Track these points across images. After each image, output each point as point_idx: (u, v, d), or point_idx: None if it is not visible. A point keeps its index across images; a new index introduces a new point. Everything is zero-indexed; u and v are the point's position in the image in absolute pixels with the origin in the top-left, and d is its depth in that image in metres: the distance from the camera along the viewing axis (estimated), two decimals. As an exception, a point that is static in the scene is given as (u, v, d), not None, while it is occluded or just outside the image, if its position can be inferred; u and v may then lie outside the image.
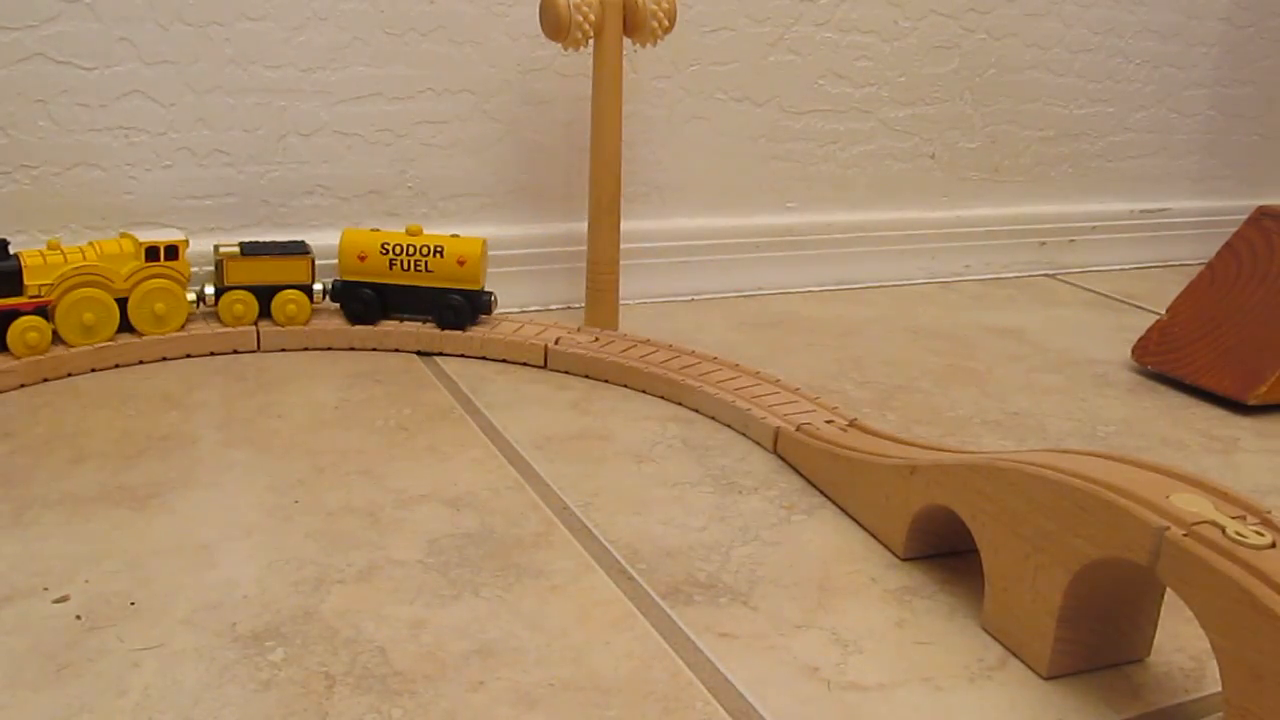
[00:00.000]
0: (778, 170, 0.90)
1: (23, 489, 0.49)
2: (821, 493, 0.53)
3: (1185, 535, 0.33)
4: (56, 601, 0.41)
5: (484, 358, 0.69)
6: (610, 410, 0.63)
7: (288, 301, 0.68)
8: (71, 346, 0.63)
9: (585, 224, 0.74)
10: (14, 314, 0.61)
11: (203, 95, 0.71)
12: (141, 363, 0.65)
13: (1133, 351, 0.76)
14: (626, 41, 0.71)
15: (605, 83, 0.71)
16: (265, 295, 0.68)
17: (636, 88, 0.82)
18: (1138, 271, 1.08)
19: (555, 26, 0.68)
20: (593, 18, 0.68)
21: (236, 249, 0.68)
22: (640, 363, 0.66)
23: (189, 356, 0.67)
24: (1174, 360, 0.73)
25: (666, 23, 0.70)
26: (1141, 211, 1.10)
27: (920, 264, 0.98)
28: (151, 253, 0.65)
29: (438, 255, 0.68)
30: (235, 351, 0.68)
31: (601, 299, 0.75)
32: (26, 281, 0.61)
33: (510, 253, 0.81)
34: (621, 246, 0.75)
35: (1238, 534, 0.33)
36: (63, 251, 0.63)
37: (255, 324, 0.68)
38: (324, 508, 0.49)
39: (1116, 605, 0.40)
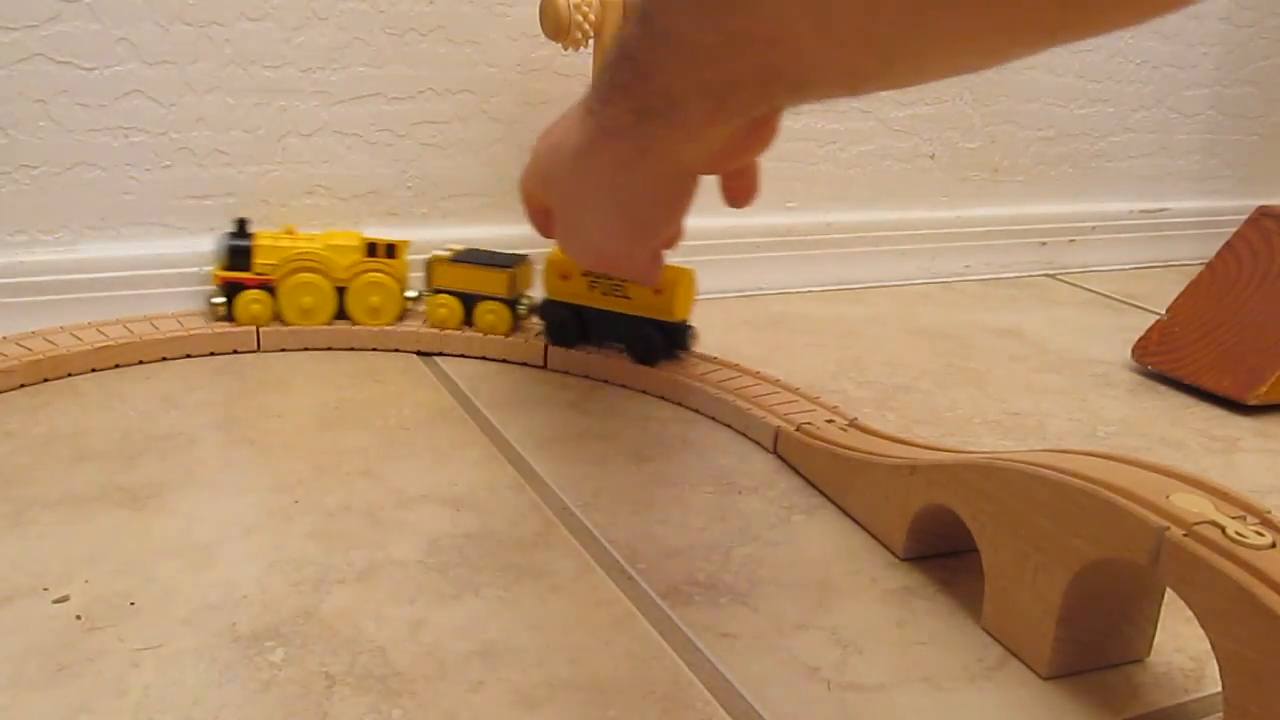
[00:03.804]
0: (778, 170, 0.90)
1: (23, 489, 0.49)
2: (821, 493, 0.53)
3: (1185, 535, 0.33)
4: (56, 601, 0.41)
5: (484, 358, 0.69)
6: (610, 410, 0.63)
7: (487, 311, 0.68)
8: (289, 324, 0.68)
9: (585, 224, 0.74)
10: (242, 286, 0.68)
11: (203, 95, 0.71)
12: (141, 363, 0.65)
13: (1133, 351, 0.76)
14: (626, 41, 0.71)
15: (605, 83, 0.71)
16: (470, 302, 0.69)
17: (636, 88, 0.82)
18: (1138, 271, 1.08)
19: (555, 26, 0.68)
20: (593, 18, 0.68)
21: (448, 254, 0.69)
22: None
23: (189, 356, 0.67)
24: (1174, 360, 0.73)
25: (666, 23, 0.70)
26: (1141, 211, 1.10)
27: (920, 264, 0.98)
28: (371, 249, 0.68)
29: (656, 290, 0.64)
30: (235, 351, 0.68)
31: (601, 299, 0.75)
32: (256, 260, 0.68)
33: (511, 253, 0.81)
34: (621, 246, 0.75)
35: (1238, 534, 0.33)
36: (294, 237, 0.69)
37: (457, 326, 0.70)
38: (324, 508, 0.49)
39: (1116, 605, 0.40)
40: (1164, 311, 0.76)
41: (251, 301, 0.68)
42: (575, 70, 0.79)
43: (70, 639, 0.38)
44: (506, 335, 0.68)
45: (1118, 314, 0.91)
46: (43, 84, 0.67)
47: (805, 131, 0.90)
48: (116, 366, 0.64)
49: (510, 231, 0.81)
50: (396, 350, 0.70)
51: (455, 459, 0.55)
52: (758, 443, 0.59)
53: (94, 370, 0.64)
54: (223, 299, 0.68)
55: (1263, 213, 0.75)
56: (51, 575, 0.42)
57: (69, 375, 0.63)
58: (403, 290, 0.69)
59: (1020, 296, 0.95)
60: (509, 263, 0.68)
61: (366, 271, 0.68)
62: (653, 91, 0.38)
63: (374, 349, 0.70)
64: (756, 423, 0.59)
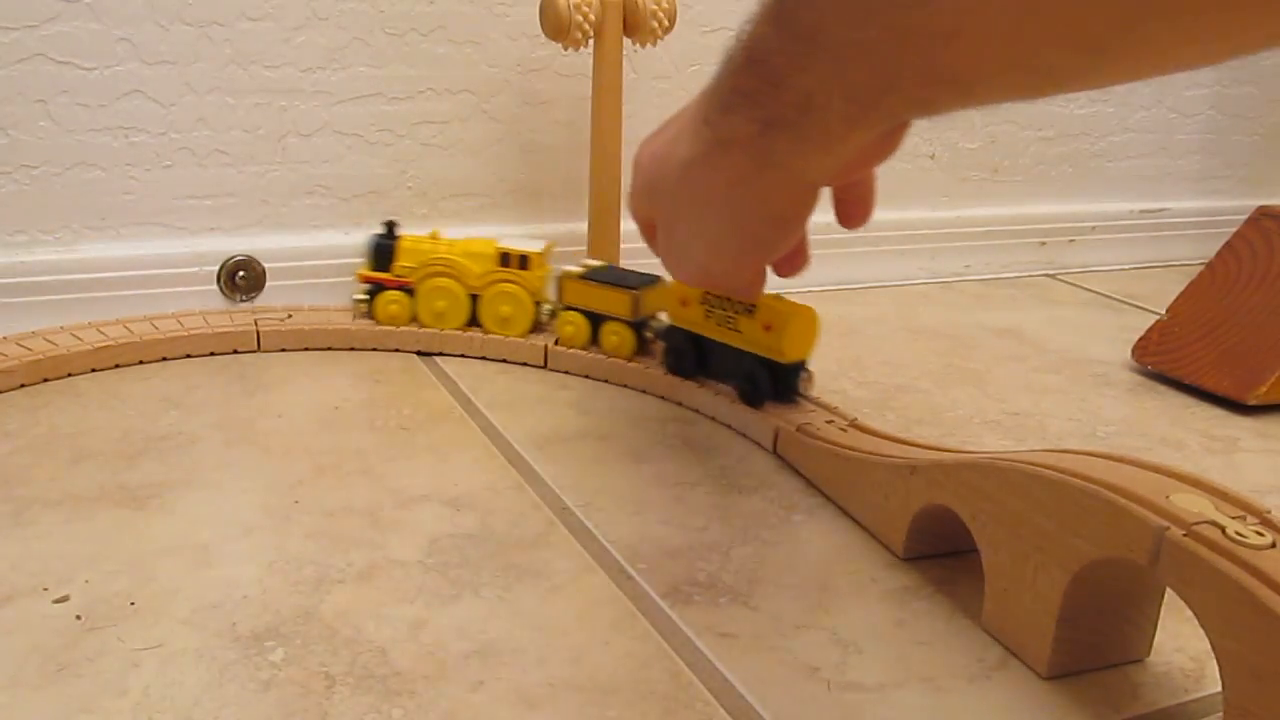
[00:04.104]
0: (778, 170, 0.90)
1: (23, 489, 0.49)
2: (821, 493, 0.53)
3: (1185, 535, 0.33)
4: (56, 601, 0.41)
5: (484, 358, 0.69)
6: (610, 410, 0.63)
7: (611, 333, 0.66)
8: (425, 327, 0.69)
9: (585, 224, 0.74)
10: (384, 287, 0.69)
11: (203, 95, 0.71)
12: (141, 363, 0.65)
13: (1133, 351, 0.76)
14: (626, 41, 0.71)
15: (605, 83, 0.71)
16: (597, 322, 0.66)
17: (636, 88, 0.82)
18: (1138, 271, 1.08)
19: (555, 26, 0.68)
20: (593, 18, 0.68)
21: (579, 270, 0.67)
22: (640, 362, 0.66)
23: (189, 356, 0.67)
24: (1174, 360, 0.73)
25: (666, 23, 0.70)
26: (1141, 211, 1.10)
27: (920, 264, 0.98)
28: (504, 258, 0.67)
29: (748, 313, 0.58)
30: (235, 351, 0.68)
31: (601, 299, 0.75)
32: (398, 262, 0.68)
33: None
34: (622, 246, 0.75)
35: (1238, 534, 0.33)
36: (435, 241, 0.69)
37: (584, 345, 0.67)
38: (324, 508, 0.49)
39: (1116, 605, 0.40)
40: (1164, 311, 0.76)
41: (390, 302, 0.69)
42: (575, 70, 0.79)
43: (70, 639, 0.38)
44: (628, 359, 0.66)
45: (1118, 314, 0.91)
46: (43, 84, 0.67)
47: (805, 131, 0.90)
48: (116, 366, 0.64)
49: (511, 231, 0.81)
50: (396, 350, 0.70)
51: (455, 459, 0.55)
52: (758, 443, 0.59)
53: (94, 370, 0.64)
54: (365, 297, 0.69)
55: (1263, 213, 0.75)
56: (51, 575, 0.42)
57: (69, 375, 0.63)
58: (535, 302, 0.68)
59: (1020, 296, 0.95)
60: (636, 283, 0.65)
61: (499, 281, 0.67)
62: (785, 99, 0.34)
63: (374, 349, 0.70)
64: (756, 423, 0.59)
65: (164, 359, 0.66)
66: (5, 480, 0.50)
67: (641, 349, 0.66)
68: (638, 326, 0.65)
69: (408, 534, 0.47)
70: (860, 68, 0.32)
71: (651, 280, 0.65)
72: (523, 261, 0.67)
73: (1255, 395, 0.67)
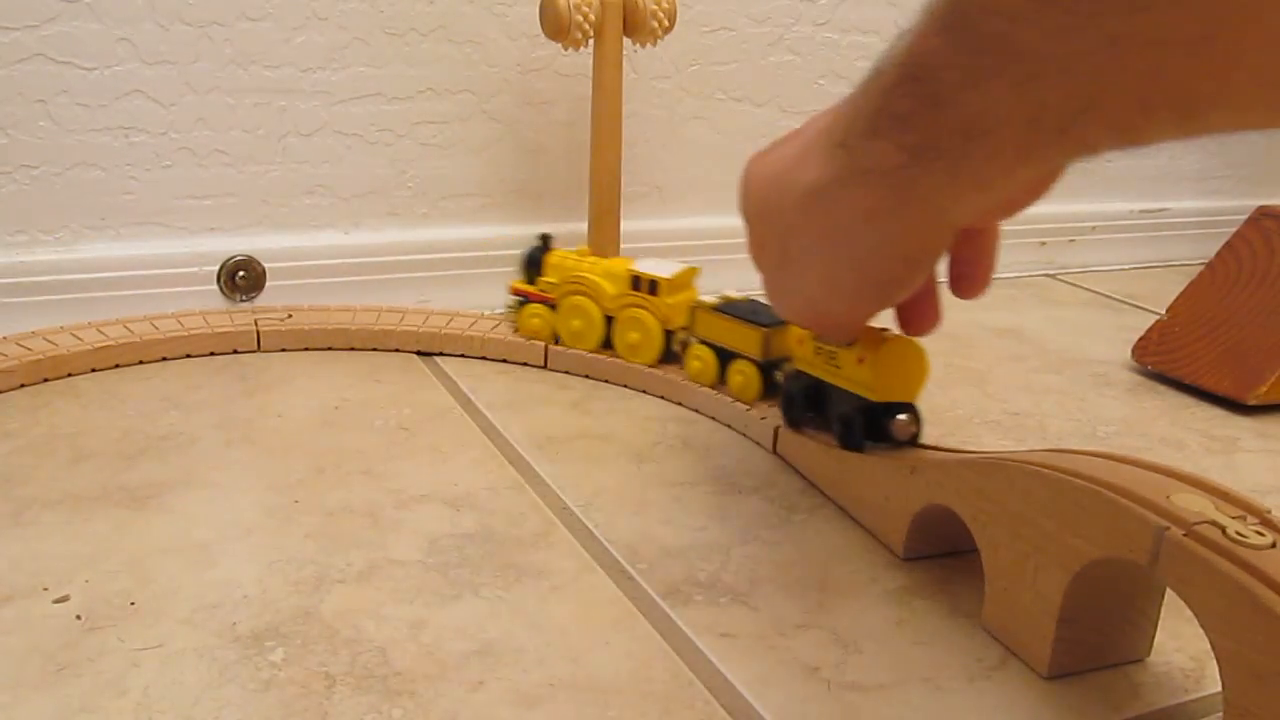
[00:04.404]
0: (778, 170, 0.90)
1: (23, 489, 0.49)
2: (821, 493, 0.53)
3: (1185, 535, 0.33)
4: (56, 601, 0.41)
5: (484, 358, 0.69)
6: (610, 410, 0.63)
7: (736, 372, 0.60)
8: (562, 346, 0.68)
9: (585, 224, 0.74)
10: (530, 299, 0.68)
11: (203, 95, 0.71)
12: (141, 363, 0.65)
13: (1133, 351, 0.76)
14: (626, 41, 0.71)
15: (605, 83, 0.71)
16: (726, 359, 0.60)
17: (636, 88, 0.82)
18: (1138, 271, 1.08)
19: (555, 26, 0.68)
20: (593, 18, 0.68)
21: (715, 301, 0.61)
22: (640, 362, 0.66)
23: (189, 356, 0.67)
24: (1174, 360, 0.73)
25: (666, 23, 0.70)
26: (1141, 211, 1.10)
27: (920, 264, 0.98)
28: (635, 282, 0.64)
29: (849, 346, 0.50)
30: (235, 351, 0.68)
31: (601, 299, 0.75)
32: (544, 276, 0.68)
33: (510, 253, 0.81)
34: (621, 246, 0.75)
35: (1238, 534, 0.33)
36: (580, 258, 0.68)
37: (712, 384, 0.62)
38: (324, 508, 0.49)
39: (1117, 605, 0.40)
40: (1164, 311, 0.76)
41: (532, 316, 0.68)
42: (575, 70, 0.79)
43: (70, 639, 0.38)
44: (750, 404, 0.59)
45: (1118, 314, 0.91)
46: (43, 84, 0.67)
47: (805, 131, 0.90)
48: (116, 366, 0.64)
49: (511, 231, 0.81)
50: (396, 350, 0.70)
51: (455, 459, 0.55)
52: (758, 443, 0.59)
53: (94, 370, 0.64)
54: (514, 308, 0.69)
55: (1263, 213, 0.75)
56: (51, 575, 0.42)
57: (69, 375, 0.63)
58: (665, 330, 0.64)
59: (1020, 296, 0.95)
60: (770, 320, 0.57)
61: (630, 305, 0.65)
62: (948, 123, 0.30)
63: (374, 349, 0.70)
64: (756, 423, 0.59)
65: (164, 359, 0.66)
66: (5, 480, 0.50)
67: (770, 393, 0.59)
68: (766, 368, 0.58)
69: (408, 534, 0.47)
70: (1056, 85, 0.27)
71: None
72: (652, 287, 0.63)
73: (1255, 395, 0.67)
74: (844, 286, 0.39)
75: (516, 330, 0.69)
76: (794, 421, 0.55)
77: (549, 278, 0.67)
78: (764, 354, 0.58)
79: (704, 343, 0.61)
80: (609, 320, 0.66)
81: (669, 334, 0.64)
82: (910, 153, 0.32)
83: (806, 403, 0.53)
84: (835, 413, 0.51)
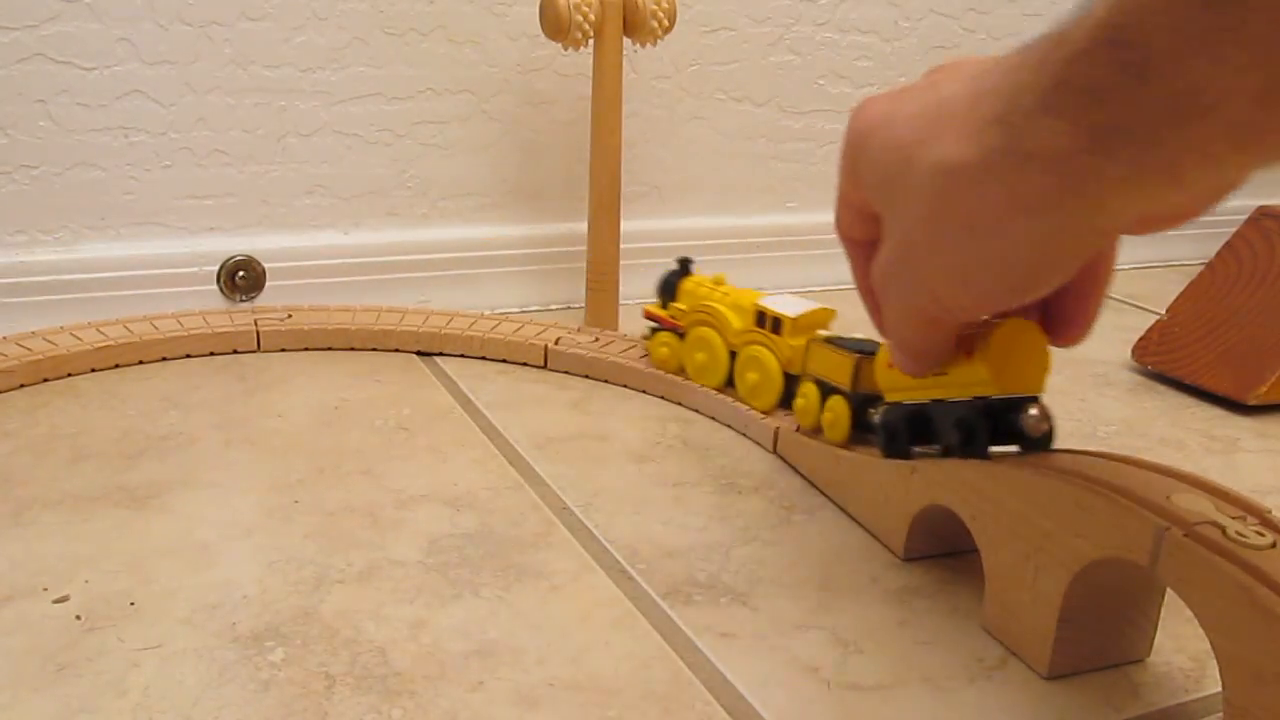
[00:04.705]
0: (778, 170, 0.90)
1: (23, 489, 0.49)
2: (821, 493, 0.53)
3: (1185, 535, 0.33)
4: (56, 601, 0.41)
5: (484, 358, 0.69)
6: (610, 410, 0.63)
7: (827, 409, 0.53)
8: (687, 379, 0.63)
9: (585, 224, 0.74)
10: (662, 326, 0.65)
11: (203, 95, 0.71)
12: (141, 363, 0.65)
13: (1133, 351, 0.76)
14: (626, 41, 0.71)
15: (605, 83, 0.71)
16: (825, 395, 0.53)
17: (636, 88, 0.82)
18: (1138, 271, 1.08)
19: (555, 26, 0.68)
20: (593, 18, 0.68)
21: (827, 334, 0.55)
22: (640, 363, 0.66)
23: (189, 356, 0.67)
24: (1174, 360, 0.73)
25: (666, 23, 0.70)
26: (1141, 211, 1.10)
27: (920, 264, 0.98)
28: (759, 318, 0.58)
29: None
30: (235, 351, 0.68)
31: (601, 299, 0.75)
32: (677, 302, 0.64)
33: (510, 253, 0.81)
34: (621, 246, 0.75)
35: (1238, 534, 0.33)
36: (713, 286, 0.63)
37: (814, 425, 0.54)
38: (324, 508, 0.49)
39: (1117, 605, 0.40)
40: (1164, 311, 0.76)
41: (661, 344, 0.64)
42: (575, 70, 0.79)
43: (70, 639, 0.38)
44: (841, 445, 0.52)
45: (1118, 314, 0.91)
46: (43, 84, 0.67)
47: (805, 131, 0.90)
48: (116, 366, 0.64)
49: (511, 231, 0.81)
50: (396, 350, 0.70)
51: (455, 459, 0.55)
52: (758, 443, 0.59)
53: (94, 370, 0.64)
54: (649, 334, 0.66)
55: (1263, 213, 0.75)
56: (51, 575, 0.42)
57: (69, 375, 0.63)
58: (783, 372, 0.57)
59: (1020, 296, 0.95)
60: (861, 349, 0.51)
61: (753, 342, 0.58)
62: (1152, 100, 0.25)
63: (374, 349, 0.70)
64: (756, 423, 0.59)
65: (164, 359, 0.66)
66: (5, 480, 0.50)
67: (862, 429, 0.51)
68: (858, 402, 0.51)
69: (408, 534, 0.47)
70: None
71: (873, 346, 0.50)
72: (775, 325, 0.57)
73: (1255, 395, 0.67)
74: (977, 283, 0.33)
75: (646, 357, 0.65)
76: (899, 453, 0.47)
77: (681, 304, 0.63)
78: (854, 384, 0.51)
79: (813, 379, 0.54)
80: (734, 356, 0.60)
81: (791, 378, 0.57)
82: (1093, 135, 0.27)
83: (910, 431, 0.46)
84: (949, 421, 0.43)
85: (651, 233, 0.85)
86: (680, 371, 0.63)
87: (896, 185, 0.34)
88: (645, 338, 0.66)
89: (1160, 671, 0.40)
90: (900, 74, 0.92)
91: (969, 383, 0.41)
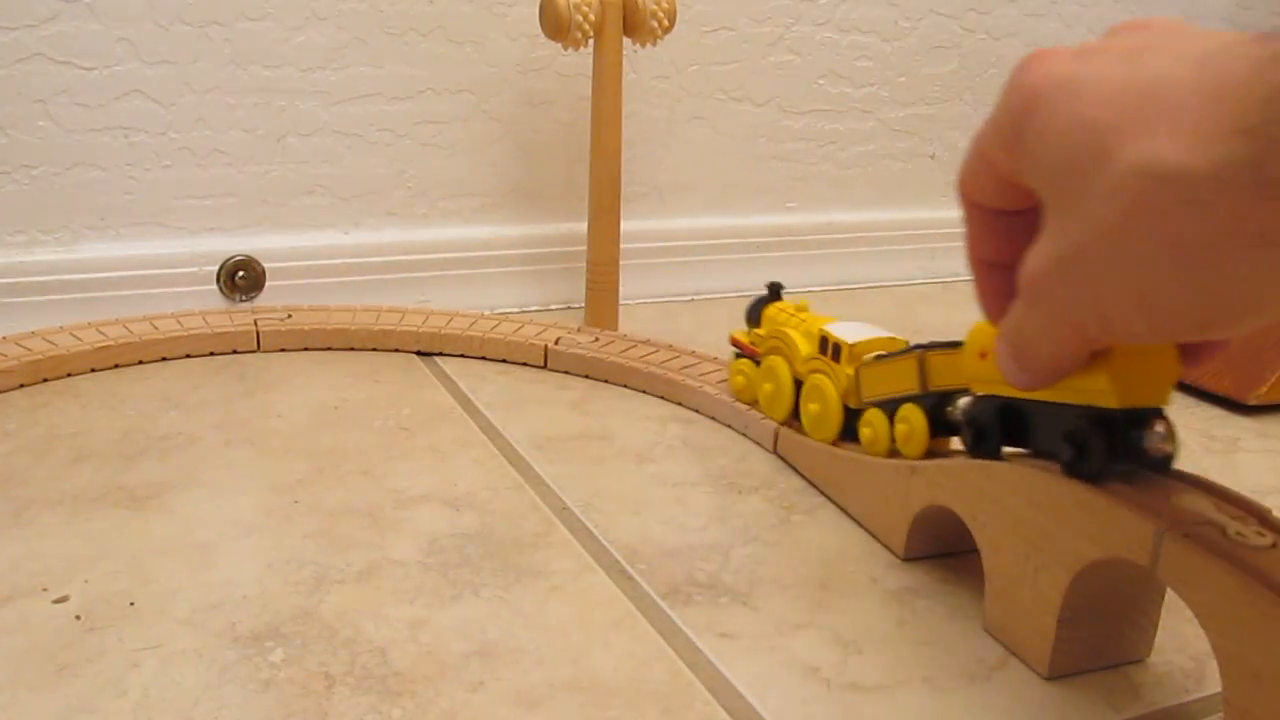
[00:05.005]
0: (778, 170, 0.90)
1: (23, 489, 0.49)
2: (821, 493, 0.53)
3: (1185, 535, 0.33)
4: (56, 601, 0.41)
5: (484, 358, 0.69)
6: (610, 410, 0.63)
7: (900, 421, 0.47)
8: (756, 409, 0.59)
9: (585, 224, 0.74)
10: (743, 352, 0.61)
11: (203, 95, 0.71)
12: (141, 363, 0.65)
13: (1133, 351, 0.76)
14: (626, 41, 0.71)
15: (605, 83, 0.71)
16: (894, 413, 0.48)
17: (636, 88, 0.82)
18: (1138, 271, 1.08)
19: (555, 26, 0.68)
20: (593, 18, 0.68)
21: (880, 352, 0.50)
22: (640, 363, 0.66)
23: (189, 356, 0.67)
24: (1174, 360, 0.73)
25: (666, 23, 0.70)
26: (1141, 211, 1.10)
27: (920, 264, 0.98)
28: (821, 343, 0.54)
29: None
30: (235, 351, 0.68)
31: (601, 299, 0.75)
32: (758, 329, 0.60)
33: (510, 253, 0.81)
34: (621, 246, 0.75)
35: (1238, 534, 0.33)
36: (791, 312, 0.58)
37: (887, 452, 0.49)
38: (324, 508, 0.49)
39: (1117, 605, 0.40)
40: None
41: (737, 371, 0.61)
42: (575, 70, 0.79)
43: (70, 639, 0.38)
44: (921, 457, 0.46)
45: (1118, 314, 0.91)
46: (43, 84, 0.67)
47: (805, 131, 0.90)
48: (116, 366, 0.64)
49: (511, 231, 0.81)
50: (396, 350, 0.70)
51: (455, 459, 0.55)
52: (758, 443, 0.59)
53: (94, 370, 0.64)
54: (734, 360, 0.62)
55: (1263, 213, 0.75)
56: (51, 575, 0.42)
57: (69, 375, 0.63)
58: (842, 403, 0.52)
59: (1020, 296, 0.95)
60: (924, 345, 0.47)
61: (815, 371, 0.54)
62: None
63: (374, 349, 0.70)
64: (756, 423, 0.59)
65: (164, 359, 0.66)
66: (5, 480, 0.50)
67: (942, 433, 0.46)
68: (931, 404, 0.46)
69: (407, 534, 0.47)
70: None
71: (946, 345, 0.46)
72: (835, 351, 0.53)
73: (1255, 395, 0.67)
74: (1163, 313, 0.27)
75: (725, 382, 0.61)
76: (989, 453, 0.42)
77: (761, 330, 0.59)
78: (922, 385, 0.46)
79: (875, 405, 0.49)
80: (799, 386, 0.55)
81: (852, 413, 0.52)
82: None
83: (1003, 430, 0.41)
84: (1059, 432, 0.38)
85: (651, 233, 0.85)
86: (755, 403, 0.59)
87: (1079, 175, 0.27)
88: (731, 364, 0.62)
89: (1160, 671, 0.40)
90: (900, 74, 0.92)
91: (1083, 389, 0.36)
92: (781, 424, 0.56)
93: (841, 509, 0.52)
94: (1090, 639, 0.39)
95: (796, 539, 0.49)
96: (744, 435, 0.60)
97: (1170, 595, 0.38)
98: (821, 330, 0.53)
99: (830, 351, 0.53)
